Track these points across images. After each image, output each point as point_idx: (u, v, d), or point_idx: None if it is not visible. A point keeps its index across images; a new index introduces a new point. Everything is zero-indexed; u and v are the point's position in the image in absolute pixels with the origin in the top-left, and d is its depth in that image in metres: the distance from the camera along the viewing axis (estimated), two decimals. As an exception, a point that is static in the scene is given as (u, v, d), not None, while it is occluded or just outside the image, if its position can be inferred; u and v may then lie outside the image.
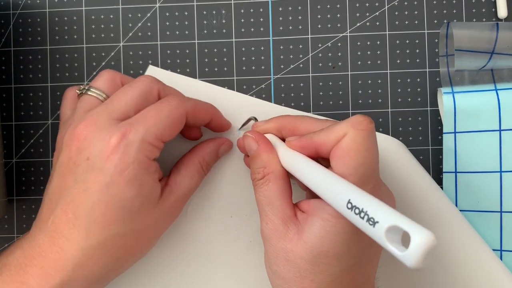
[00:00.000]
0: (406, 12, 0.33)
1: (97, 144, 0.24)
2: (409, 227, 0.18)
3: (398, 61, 0.33)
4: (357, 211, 0.20)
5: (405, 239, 0.18)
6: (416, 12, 0.33)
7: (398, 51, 0.33)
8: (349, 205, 0.21)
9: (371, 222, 0.19)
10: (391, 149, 0.31)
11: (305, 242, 0.24)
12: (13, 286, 0.24)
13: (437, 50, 0.33)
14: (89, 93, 0.27)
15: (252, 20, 0.33)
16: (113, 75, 0.28)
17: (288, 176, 0.27)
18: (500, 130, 0.31)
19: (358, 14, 0.33)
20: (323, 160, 0.26)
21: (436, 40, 0.33)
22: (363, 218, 0.20)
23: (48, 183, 0.26)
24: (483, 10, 0.33)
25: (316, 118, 0.28)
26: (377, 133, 0.31)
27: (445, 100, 0.31)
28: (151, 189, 0.25)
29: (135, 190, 0.24)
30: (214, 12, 0.33)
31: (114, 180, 0.24)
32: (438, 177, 0.33)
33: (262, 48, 0.33)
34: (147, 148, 0.24)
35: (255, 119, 0.30)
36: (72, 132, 0.25)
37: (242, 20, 0.33)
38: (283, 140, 0.28)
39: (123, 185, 0.24)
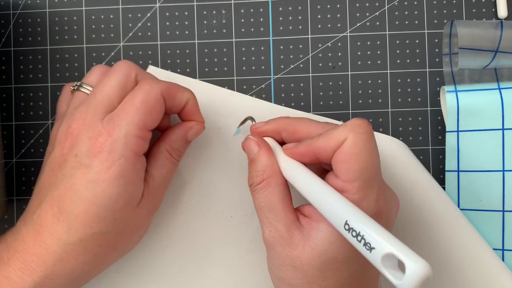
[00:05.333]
0: (406, 12, 0.33)
1: (86, 141, 0.24)
2: (404, 256, 0.18)
3: (398, 61, 0.33)
4: (354, 233, 0.20)
5: (401, 263, 0.18)
6: (416, 12, 0.33)
7: (398, 51, 0.33)
8: (347, 227, 0.21)
9: (367, 247, 0.19)
10: (392, 149, 0.31)
11: (312, 249, 0.23)
12: None
13: (437, 50, 0.33)
14: (81, 89, 0.27)
15: (252, 20, 0.33)
16: (103, 70, 0.28)
17: (287, 181, 0.26)
18: (503, 129, 0.31)
19: (358, 14, 0.33)
20: (325, 164, 0.26)
21: (436, 40, 0.33)
22: (360, 241, 0.20)
23: (38, 177, 0.27)
24: (483, 10, 0.33)
25: (316, 120, 0.27)
26: (377, 133, 0.31)
27: (448, 99, 0.31)
28: (136, 188, 0.25)
29: (120, 189, 0.24)
30: (214, 12, 0.33)
31: (100, 177, 0.24)
32: (438, 177, 0.33)
33: (262, 48, 0.33)
34: (133, 142, 0.24)
35: (252, 119, 0.30)
36: (66, 130, 0.25)
37: (242, 20, 0.33)
38: (281, 142, 0.28)
39: (108, 182, 0.24)
